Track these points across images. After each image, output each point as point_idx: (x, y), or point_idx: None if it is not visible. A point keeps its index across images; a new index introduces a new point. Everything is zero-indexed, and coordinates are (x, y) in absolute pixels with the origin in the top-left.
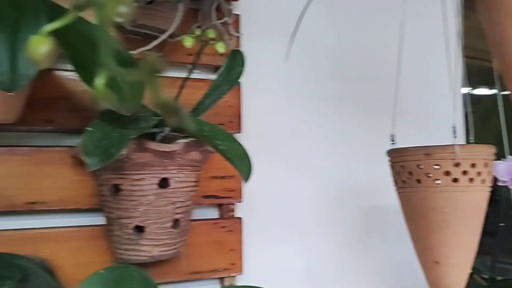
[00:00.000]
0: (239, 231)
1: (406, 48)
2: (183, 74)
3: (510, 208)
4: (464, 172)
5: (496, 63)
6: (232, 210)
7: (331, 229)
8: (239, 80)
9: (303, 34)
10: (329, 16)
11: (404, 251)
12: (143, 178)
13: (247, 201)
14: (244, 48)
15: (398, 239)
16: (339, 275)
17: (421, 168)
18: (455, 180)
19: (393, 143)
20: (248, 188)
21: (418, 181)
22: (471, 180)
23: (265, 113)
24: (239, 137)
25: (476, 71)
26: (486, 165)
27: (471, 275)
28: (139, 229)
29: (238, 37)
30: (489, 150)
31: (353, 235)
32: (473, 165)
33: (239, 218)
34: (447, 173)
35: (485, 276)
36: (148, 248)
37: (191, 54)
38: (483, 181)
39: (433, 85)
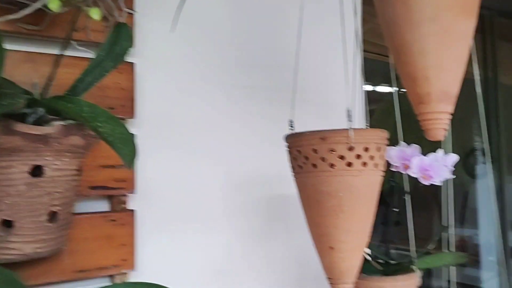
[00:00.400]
0: (131, 225)
1: (308, 38)
2: (72, 53)
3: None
4: (358, 156)
5: (389, 48)
6: (124, 202)
7: (235, 219)
8: (126, 57)
9: (205, 20)
10: (231, 2)
11: (309, 239)
12: (11, 166)
13: (143, 192)
14: (142, 28)
15: (303, 227)
16: (243, 267)
17: (316, 153)
18: (349, 164)
19: (291, 129)
20: (144, 178)
21: (314, 165)
22: (364, 164)
23: (164, 99)
24: (133, 122)
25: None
26: (378, 149)
27: (367, 260)
28: (7, 224)
29: (131, 14)
30: (382, 134)
31: (258, 224)
32: (366, 149)
33: (132, 211)
34: (342, 157)
35: (381, 261)
36: (19, 245)
37: (77, 30)
38: (375, 165)
39: (334, 77)
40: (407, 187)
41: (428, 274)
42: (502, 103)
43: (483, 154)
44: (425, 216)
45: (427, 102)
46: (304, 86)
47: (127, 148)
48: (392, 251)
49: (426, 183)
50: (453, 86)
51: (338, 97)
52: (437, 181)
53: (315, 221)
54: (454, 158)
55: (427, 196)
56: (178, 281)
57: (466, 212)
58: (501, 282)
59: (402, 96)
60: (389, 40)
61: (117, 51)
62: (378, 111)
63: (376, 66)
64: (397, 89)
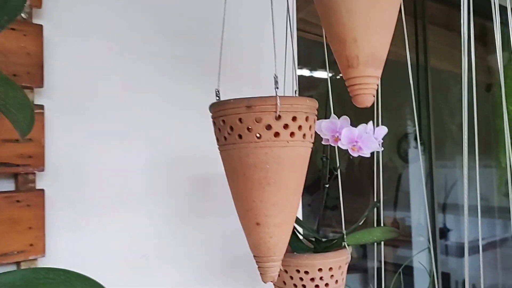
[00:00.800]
0: (40, 206)
1: (245, 11)
2: None
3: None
4: (285, 126)
5: (318, 11)
6: (33, 181)
7: (161, 200)
8: (22, 11)
9: None
10: None
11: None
12: None
13: (54, 171)
14: None
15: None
16: (169, 251)
17: (242, 122)
18: (276, 134)
19: (218, 99)
20: (55, 155)
21: (240, 136)
22: (292, 134)
23: (79, 68)
24: (41, 92)
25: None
26: (307, 119)
27: (297, 237)
28: None
29: None
30: (311, 103)
31: (186, 205)
32: (294, 119)
33: (40, 191)
34: (268, 127)
35: (311, 239)
36: None
37: None
38: (304, 136)
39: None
40: (338, 162)
41: (363, 255)
42: (433, 87)
43: (415, 138)
44: (362, 201)
45: (355, 65)
46: (239, 59)
47: (21, 114)
48: (330, 234)
49: (355, 154)
50: (382, 49)
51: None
52: (366, 153)
53: (241, 196)
54: (383, 130)
55: (363, 180)
56: (96, 268)
57: (399, 195)
58: (430, 261)
59: (340, 82)
60: (318, 2)
61: (11, 5)
62: (315, 96)
63: (316, 50)
64: (330, 74)
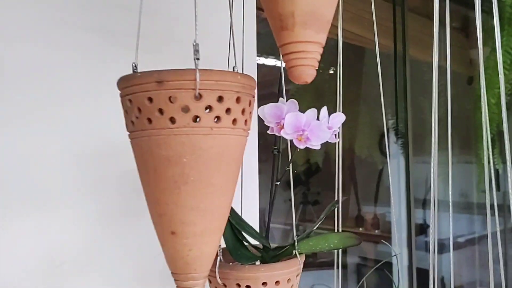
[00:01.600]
0: None
1: None
2: None
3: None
4: (208, 108)
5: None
6: None
7: (86, 199)
8: None
9: None
10: None
11: None
12: None
13: None
14: None
15: None
16: (91, 257)
17: (152, 102)
18: (196, 118)
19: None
20: None
21: (149, 121)
22: (217, 119)
23: None
24: None
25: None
26: (239, 100)
27: (243, 244)
28: None
29: None
30: (246, 81)
31: (118, 205)
32: (220, 99)
33: None
34: (185, 109)
35: (259, 246)
36: None
37: None
38: (234, 121)
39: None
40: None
41: (343, 251)
42: (412, 79)
43: (396, 134)
44: (342, 196)
45: (290, 27)
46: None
47: None
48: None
49: (301, 146)
50: (325, 7)
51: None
52: (315, 145)
53: (153, 197)
54: (339, 117)
55: (343, 175)
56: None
57: (379, 191)
58: (409, 257)
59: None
60: None
61: None
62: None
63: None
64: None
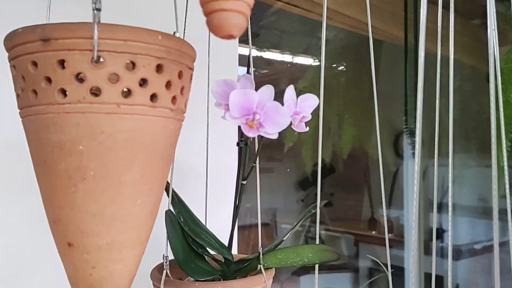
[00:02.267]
0: None
1: None
2: None
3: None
4: (113, 78)
5: None
6: None
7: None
8: None
9: None
10: None
11: None
12: None
13: None
14: None
15: None
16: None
17: (37, 68)
18: (96, 91)
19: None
20: None
21: (34, 92)
22: (127, 93)
23: None
24: None
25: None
26: (160, 68)
27: (201, 256)
28: None
29: None
30: (174, 44)
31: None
32: (133, 66)
33: None
34: (80, 79)
35: (220, 260)
36: None
37: None
38: (153, 97)
39: None
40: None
41: (355, 254)
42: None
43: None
44: (356, 198)
45: None
46: None
47: None
48: (322, 231)
49: (252, 134)
50: None
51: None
52: (270, 133)
53: (46, 197)
54: (311, 101)
55: (357, 176)
56: None
57: (393, 194)
58: (419, 262)
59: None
60: None
61: None
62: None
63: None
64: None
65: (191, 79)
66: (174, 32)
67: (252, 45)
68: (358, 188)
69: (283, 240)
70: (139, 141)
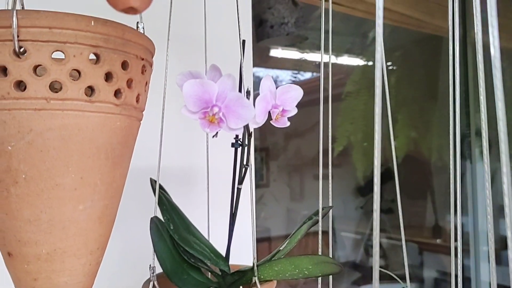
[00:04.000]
0: None
1: None
2: None
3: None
4: (40, 71)
5: None
6: None
7: None
8: None
9: None
10: None
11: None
12: None
13: None
14: None
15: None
16: None
17: None
18: (18, 85)
19: None
20: None
21: None
22: (57, 87)
23: None
24: None
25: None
26: (97, 57)
27: (196, 267)
28: None
29: None
30: (115, 31)
31: None
32: (64, 57)
33: None
34: (4, 71)
35: (217, 272)
36: None
37: None
38: (91, 91)
39: None
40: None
41: (420, 264)
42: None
43: (475, 135)
44: (420, 204)
45: None
46: None
47: None
48: (383, 239)
49: (212, 130)
50: None
51: None
52: (234, 128)
53: None
54: (293, 92)
55: (422, 182)
56: None
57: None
58: (490, 273)
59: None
60: None
61: None
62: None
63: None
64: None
65: (144, 71)
66: (138, 23)
67: (301, 48)
68: (420, 194)
69: (280, 249)
70: (74, 139)
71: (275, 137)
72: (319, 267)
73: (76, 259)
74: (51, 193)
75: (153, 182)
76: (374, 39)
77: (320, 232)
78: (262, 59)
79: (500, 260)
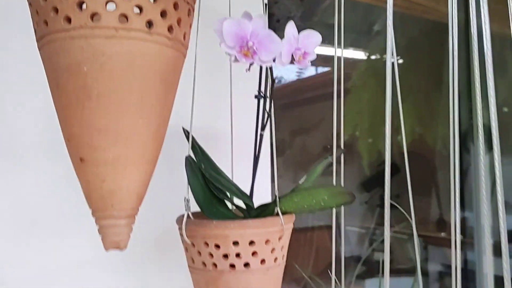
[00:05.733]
0: None
1: None
2: None
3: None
4: (110, 4)
5: None
6: None
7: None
8: None
9: None
10: None
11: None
12: None
13: None
14: None
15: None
16: (66, 219)
17: (46, 1)
18: (94, 16)
19: None
20: None
21: (46, 23)
22: (123, 18)
23: None
24: None
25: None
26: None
27: (223, 202)
28: None
29: None
30: None
31: None
32: None
33: None
34: (80, 5)
35: (242, 206)
36: None
37: None
38: (150, 24)
39: None
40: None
41: (425, 258)
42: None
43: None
44: (425, 200)
45: None
46: None
47: None
48: (387, 233)
49: (248, 61)
50: None
51: None
52: (265, 61)
53: (61, 119)
54: (314, 38)
55: (426, 176)
56: None
57: (464, 193)
58: (495, 267)
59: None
60: None
61: None
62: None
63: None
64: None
65: (189, 14)
66: None
67: None
68: (424, 187)
69: (300, 183)
70: (136, 63)
71: (281, 134)
72: (334, 198)
73: (135, 166)
74: (117, 108)
75: (185, 131)
76: (378, 31)
77: (275, 173)
78: None
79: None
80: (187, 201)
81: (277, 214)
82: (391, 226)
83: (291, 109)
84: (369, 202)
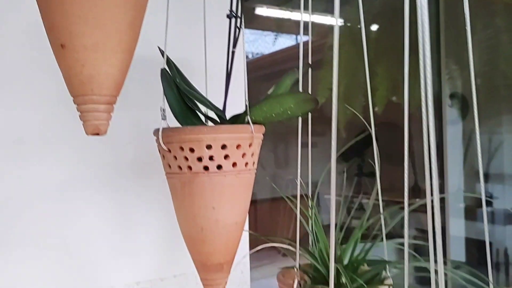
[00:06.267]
0: None
1: None
2: None
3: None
4: None
5: None
6: None
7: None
8: None
9: None
10: None
11: None
12: None
13: None
14: None
15: None
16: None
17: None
18: None
19: None
20: None
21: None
22: None
23: None
24: None
25: None
26: None
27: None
28: None
29: None
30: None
31: None
32: None
33: None
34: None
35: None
36: None
37: None
38: None
39: None
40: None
41: (400, 224)
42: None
43: (451, 96)
44: (399, 168)
45: None
46: None
47: None
48: (365, 201)
49: None
50: None
51: None
52: None
53: (43, 7)
54: None
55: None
56: None
57: (438, 161)
58: (466, 229)
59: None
60: None
61: None
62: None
63: None
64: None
65: None
66: None
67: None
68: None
69: (268, 94)
70: None
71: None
72: (300, 106)
73: (113, 53)
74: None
75: (160, 49)
76: None
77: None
78: (247, 19)
79: (476, 216)
80: (163, 110)
81: (247, 123)
82: (368, 194)
83: (269, 81)
84: (347, 172)
